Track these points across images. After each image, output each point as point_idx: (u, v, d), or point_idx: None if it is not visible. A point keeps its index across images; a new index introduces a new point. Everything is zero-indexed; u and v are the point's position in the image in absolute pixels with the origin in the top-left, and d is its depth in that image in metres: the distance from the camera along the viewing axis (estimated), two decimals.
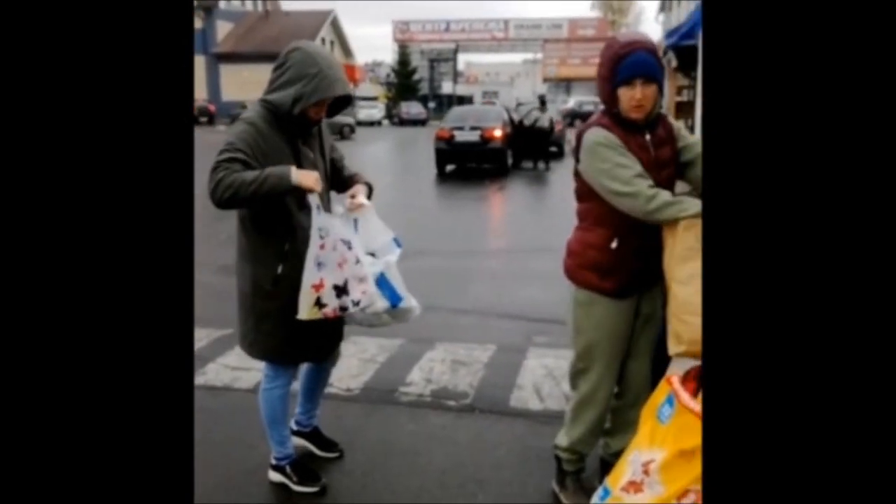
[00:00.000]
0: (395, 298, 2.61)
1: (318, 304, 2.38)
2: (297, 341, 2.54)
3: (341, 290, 2.40)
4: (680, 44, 6.27)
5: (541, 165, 15.83)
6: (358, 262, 2.43)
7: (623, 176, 2.20)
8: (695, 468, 1.84)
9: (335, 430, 3.16)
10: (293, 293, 2.35)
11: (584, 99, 37.16)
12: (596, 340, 2.51)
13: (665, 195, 2.17)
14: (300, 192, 2.30)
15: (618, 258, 2.39)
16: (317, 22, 40.53)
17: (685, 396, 1.93)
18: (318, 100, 2.34)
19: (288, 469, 2.74)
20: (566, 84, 43.89)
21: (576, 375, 2.62)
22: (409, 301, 2.68)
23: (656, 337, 2.66)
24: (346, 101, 2.55)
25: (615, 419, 2.72)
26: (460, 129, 14.45)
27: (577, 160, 2.39)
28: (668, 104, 7.20)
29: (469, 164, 14.99)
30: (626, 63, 2.23)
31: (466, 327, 4.46)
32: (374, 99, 43.21)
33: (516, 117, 16.17)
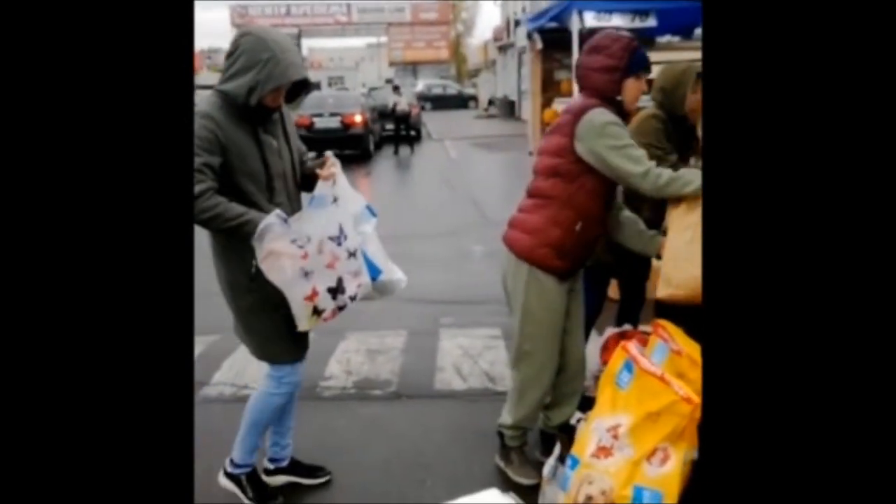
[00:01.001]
0: (373, 271, 2.46)
1: (316, 311, 2.28)
2: (288, 333, 2.36)
3: (336, 291, 2.30)
4: (545, 27, 6.51)
5: (403, 150, 15.94)
6: (351, 256, 2.32)
7: (635, 155, 2.34)
8: (662, 428, 1.96)
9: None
10: (272, 285, 2.22)
11: (432, 82, 37.67)
12: (546, 322, 2.59)
13: (668, 172, 2.33)
14: (269, 189, 2.25)
15: (578, 241, 2.50)
16: None
17: (644, 361, 2.05)
18: (273, 87, 2.18)
19: (244, 480, 2.57)
20: (413, 67, 44.14)
21: (521, 357, 2.68)
22: (393, 273, 2.54)
23: (591, 314, 2.82)
24: (303, 85, 2.40)
25: (555, 393, 2.82)
26: (319, 115, 14.19)
27: (571, 137, 2.41)
28: (533, 83, 7.49)
29: (330, 151, 14.78)
30: (639, 55, 2.42)
31: (373, 315, 4.42)
32: None
33: (370, 103, 16.24)
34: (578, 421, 2.90)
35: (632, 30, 5.82)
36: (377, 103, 18.12)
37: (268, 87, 2.17)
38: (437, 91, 35.73)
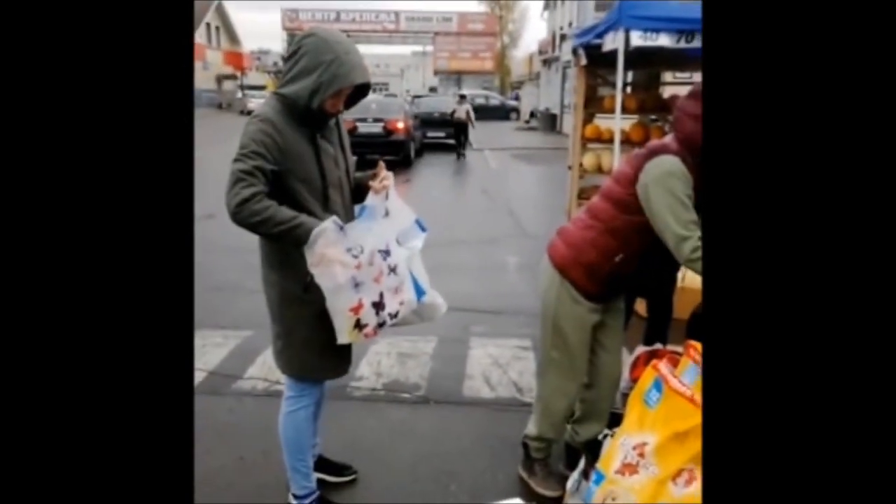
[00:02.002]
0: (419, 292, 2.37)
1: (358, 325, 2.21)
2: (333, 352, 2.32)
3: (378, 306, 2.23)
4: (591, 43, 6.51)
5: (462, 154, 17.12)
6: (391, 271, 2.25)
7: (684, 217, 2.22)
8: (688, 449, 1.96)
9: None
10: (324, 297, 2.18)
11: (474, 92, 37.73)
12: (572, 335, 2.59)
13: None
14: (324, 196, 2.21)
15: (614, 270, 2.47)
16: (202, 6, 38.81)
17: (674, 381, 2.05)
18: (337, 89, 2.14)
19: None
20: (457, 77, 44.28)
21: (548, 365, 2.69)
22: (435, 297, 2.47)
23: (624, 329, 2.82)
24: (364, 90, 2.32)
25: (585, 408, 2.83)
26: (363, 120, 14.37)
27: (637, 171, 2.36)
28: (576, 98, 7.48)
29: (371, 156, 14.97)
30: None
31: None
32: (263, 88, 41.93)
33: (413, 110, 16.75)
34: (605, 437, 2.91)
35: (678, 50, 5.83)
36: (420, 110, 18.29)
37: (331, 88, 2.12)
38: (480, 101, 35.78)
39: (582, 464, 2.51)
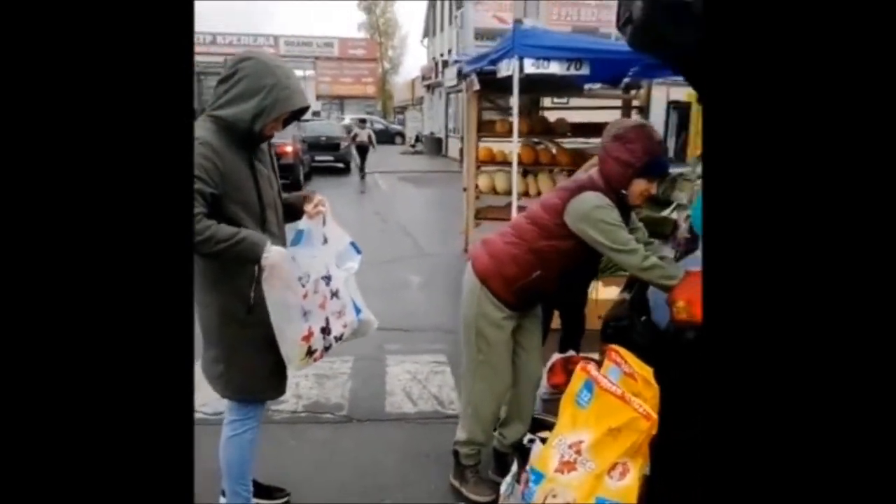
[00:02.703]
0: (356, 311, 2.45)
1: (309, 352, 2.26)
2: (275, 372, 2.34)
3: (325, 331, 2.29)
4: (484, 69, 6.78)
5: (363, 175, 17.68)
6: (333, 296, 2.31)
7: (621, 238, 2.47)
8: (622, 444, 2.12)
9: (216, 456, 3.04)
10: (268, 319, 2.17)
11: (358, 117, 37.68)
12: (493, 338, 2.74)
13: (654, 258, 2.47)
14: (262, 218, 2.23)
15: (531, 285, 2.65)
16: None
17: (604, 381, 2.21)
18: (279, 113, 2.17)
19: None
20: (339, 101, 44.20)
21: (477, 368, 2.80)
22: (368, 314, 2.54)
23: (542, 331, 2.98)
24: (299, 114, 2.34)
25: (509, 410, 2.96)
26: None
27: (564, 204, 2.55)
28: (468, 122, 7.74)
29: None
30: (661, 163, 2.55)
31: None
32: None
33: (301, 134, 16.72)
34: (530, 441, 3.04)
35: (566, 77, 6.18)
36: (307, 134, 18.14)
37: (275, 112, 2.15)
38: None
39: (514, 467, 2.62)
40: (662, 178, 2.66)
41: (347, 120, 35.20)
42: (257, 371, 2.32)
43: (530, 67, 5.61)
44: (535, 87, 7.05)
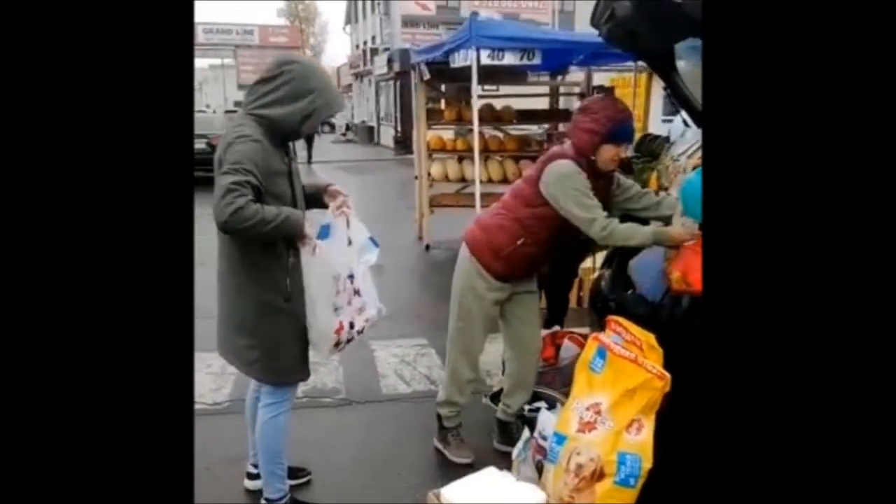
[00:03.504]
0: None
1: (337, 344, 2.46)
2: (305, 356, 2.52)
3: (351, 325, 2.50)
4: (434, 59, 6.95)
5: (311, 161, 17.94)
6: (357, 293, 2.49)
7: (586, 203, 2.72)
8: (637, 403, 2.35)
9: (228, 444, 3.14)
10: (301, 307, 2.36)
11: None
12: (475, 309, 3.01)
13: (615, 223, 2.71)
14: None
15: (517, 252, 2.90)
16: None
17: (617, 348, 2.44)
18: (325, 117, 2.32)
19: None
20: None
21: (457, 334, 3.08)
22: (380, 304, 2.68)
23: (538, 305, 3.21)
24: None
25: (512, 381, 3.18)
26: None
27: (538, 175, 2.82)
28: (418, 110, 7.89)
29: (197, 173, 14.38)
30: (625, 128, 2.78)
31: None
32: None
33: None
34: (531, 411, 3.27)
35: (518, 66, 6.41)
36: None
37: (323, 115, 2.32)
38: None
39: (526, 433, 2.83)
40: (628, 141, 2.92)
41: None
42: (292, 356, 2.47)
43: (486, 59, 5.82)
44: (465, 75, 7.26)
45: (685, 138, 3.42)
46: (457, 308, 3.06)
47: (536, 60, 6.07)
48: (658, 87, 9.92)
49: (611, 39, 3.46)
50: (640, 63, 7.79)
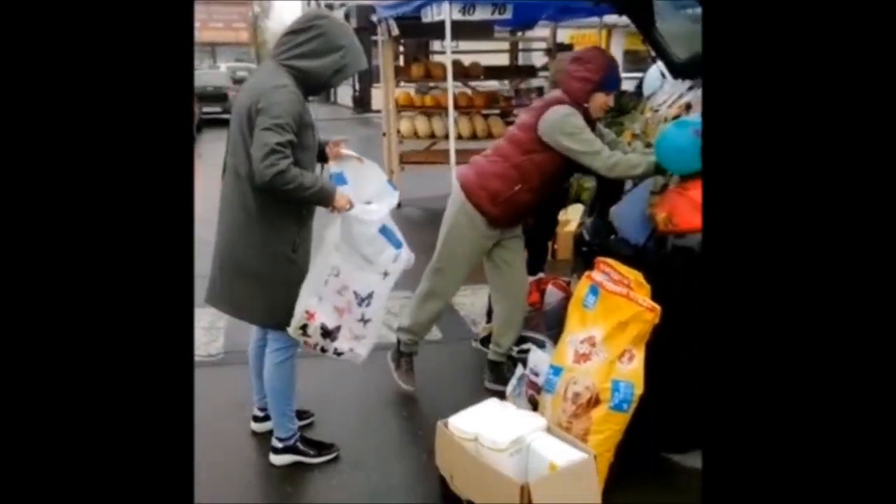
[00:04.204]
0: (398, 244, 2.62)
1: (303, 329, 2.48)
2: None
3: (328, 334, 2.51)
4: (404, 14, 6.95)
5: None
6: (363, 320, 2.57)
7: (588, 139, 2.87)
8: (629, 334, 2.52)
9: (230, 391, 3.24)
10: (306, 258, 2.51)
11: (235, 65, 35.91)
12: (460, 252, 3.17)
13: (619, 154, 2.87)
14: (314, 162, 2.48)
15: (512, 198, 3.04)
16: None
17: (609, 285, 2.60)
18: (353, 72, 2.42)
19: (301, 445, 2.75)
20: (211, 49, 42.02)
21: (433, 272, 3.23)
22: (406, 250, 2.68)
23: (523, 248, 3.36)
24: None
25: (502, 321, 3.35)
26: None
27: (537, 120, 2.94)
28: (385, 68, 7.88)
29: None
30: (614, 76, 2.95)
31: None
32: None
33: None
34: (520, 352, 3.45)
35: (489, 21, 6.46)
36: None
37: (352, 70, 2.42)
38: (242, 74, 34.41)
39: (519, 370, 3.00)
40: (617, 89, 3.10)
41: (223, 68, 33.68)
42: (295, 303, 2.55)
43: (457, 14, 5.86)
44: (423, 31, 7.28)
45: (664, 89, 3.57)
46: (441, 249, 3.20)
47: (507, 15, 6.14)
48: (616, 44, 10.14)
49: None
50: (604, 19, 7.96)
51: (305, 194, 2.33)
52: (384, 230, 2.60)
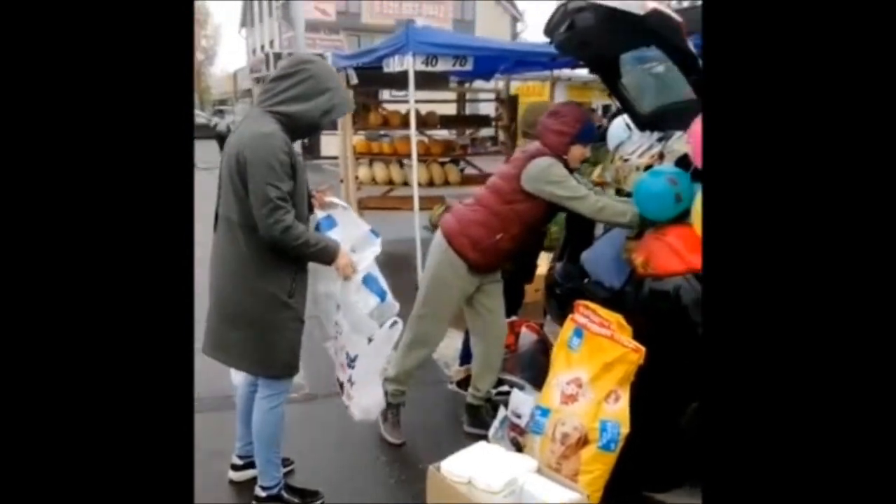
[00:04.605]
0: (381, 293, 2.65)
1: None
2: (298, 348, 2.61)
3: (341, 386, 2.82)
4: (365, 64, 7.09)
5: None
6: (350, 382, 2.73)
7: (574, 185, 2.98)
8: (614, 375, 2.59)
9: (206, 441, 3.15)
10: (303, 301, 2.51)
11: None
12: (444, 299, 3.21)
13: (604, 200, 3.00)
14: (305, 207, 2.49)
15: (494, 246, 3.12)
16: None
17: (593, 327, 2.68)
18: (341, 115, 2.46)
19: (286, 494, 2.70)
20: None
21: (417, 319, 3.26)
22: (390, 297, 2.73)
23: (501, 294, 3.41)
24: None
25: (479, 364, 3.38)
26: None
27: (520, 171, 3.05)
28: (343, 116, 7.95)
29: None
30: (591, 128, 3.11)
31: None
32: None
33: None
34: (498, 394, 3.48)
35: (451, 72, 6.63)
36: None
37: (339, 113, 2.45)
38: None
39: (501, 412, 3.03)
40: (594, 140, 3.25)
41: None
42: (294, 349, 2.57)
43: (420, 65, 6.00)
44: (375, 81, 7.43)
45: (632, 140, 3.74)
46: (425, 296, 3.23)
47: (469, 66, 6.31)
48: (560, 95, 10.58)
49: (563, 48, 3.73)
50: (554, 73, 8.27)
51: (309, 251, 2.39)
52: (367, 279, 2.63)
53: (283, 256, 2.42)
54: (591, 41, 3.40)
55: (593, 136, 3.21)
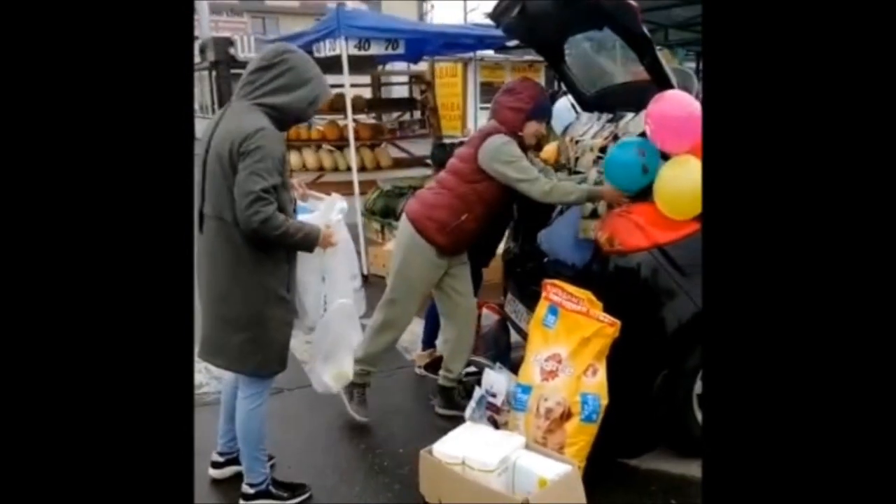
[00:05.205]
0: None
1: None
2: (287, 345, 2.58)
3: None
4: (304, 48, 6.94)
5: None
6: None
7: (524, 167, 3.02)
8: (591, 349, 2.70)
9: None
10: (294, 294, 2.51)
11: None
12: (413, 282, 3.25)
13: (555, 181, 3.05)
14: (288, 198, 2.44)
15: (459, 227, 3.16)
16: None
17: (568, 304, 2.77)
18: (324, 102, 2.42)
19: (273, 489, 2.68)
20: None
21: (387, 303, 3.31)
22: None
23: (469, 276, 3.46)
24: None
25: (451, 347, 3.43)
26: None
27: (476, 150, 3.08)
28: None
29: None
30: (546, 105, 3.15)
31: None
32: None
33: None
34: (468, 374, 3.55)
35: (383, 56, 6.59)
36: None
37: (323, 100, 2.42)
38: None
39: (477, 392, 3.10)
40: (548, 117, 3.33)
41: None
42: (286, 345, 2.56)
43: (353, 49, 5.93)
44: (324, 64, 7.32)
45: (581, 121, 3.85)
46: (394, 280, 3.26)
47: (401, 50, 6.29)
48: (472, 75, 10.77)
49: (510, 32, 3.79)
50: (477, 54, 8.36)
51: (291, 240, 2.34)
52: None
53: (279, 250, 2.40)
54: (539, 25, 3.48)
55: (548, 112, 3.28)
